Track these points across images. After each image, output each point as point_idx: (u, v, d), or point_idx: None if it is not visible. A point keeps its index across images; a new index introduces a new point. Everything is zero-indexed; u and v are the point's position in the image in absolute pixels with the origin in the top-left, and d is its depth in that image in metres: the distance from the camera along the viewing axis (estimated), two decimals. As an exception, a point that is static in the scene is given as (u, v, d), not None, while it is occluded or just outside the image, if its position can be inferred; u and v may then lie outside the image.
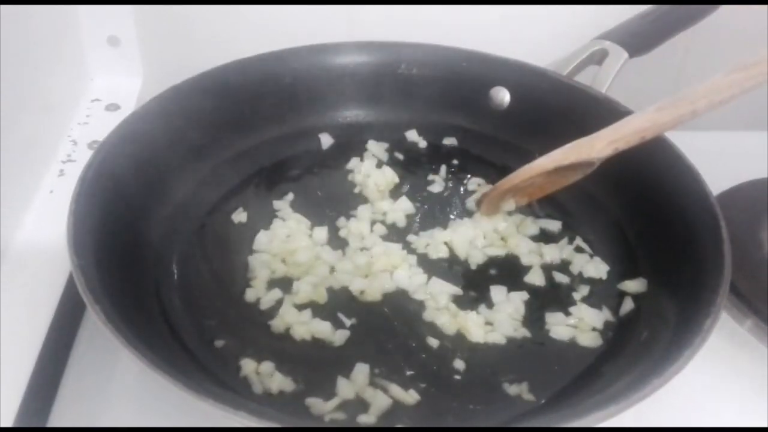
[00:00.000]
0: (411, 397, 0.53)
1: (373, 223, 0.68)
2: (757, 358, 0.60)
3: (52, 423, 0.52)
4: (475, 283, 0.63)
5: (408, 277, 0.63)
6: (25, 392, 0.51)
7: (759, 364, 0.59)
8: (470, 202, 0.71)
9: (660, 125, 0.58)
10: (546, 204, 0.70)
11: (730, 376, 0.59)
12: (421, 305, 0.61)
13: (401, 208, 0.70)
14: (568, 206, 0.70)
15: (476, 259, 0.65)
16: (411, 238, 0.67)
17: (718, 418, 0.55)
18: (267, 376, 0.53)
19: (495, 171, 0.75)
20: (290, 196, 0.70)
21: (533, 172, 0.65)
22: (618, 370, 0.54)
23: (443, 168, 0.75)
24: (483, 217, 0.69)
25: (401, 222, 0.69)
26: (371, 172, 0.73)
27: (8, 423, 0.48)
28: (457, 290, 0.62)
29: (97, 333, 0.56)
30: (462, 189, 0.73)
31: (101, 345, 0.56)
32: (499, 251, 0.66)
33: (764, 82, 0.53)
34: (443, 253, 0.66)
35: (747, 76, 0.54)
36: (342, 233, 0.67)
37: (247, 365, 0.54)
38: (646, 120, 0.59)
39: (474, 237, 0.67)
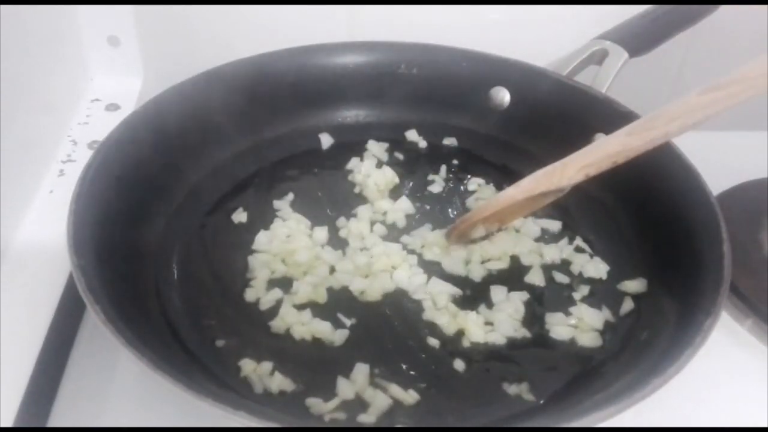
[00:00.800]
0: (411, 397, 0.53)
1: (373, 223, 0.68)
2: (757, 358, 0.60)
3: (52, 423, 0.52)
4: (475, 283, 0.63)
5: (408, 277, 0.62)
6: (25, 392, 0.50)
7: (759, 364, 0.59)
8: (470, 202, 0.71)
9: (632, 149, 0.57)
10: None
11: (731, 376, 0.59)
12: (420, 305, 0.61)
13: (401, 208, 0.70)
14: (568, 206, 0.70)
15: (476, 268, 0.65)
16: (411, 238, 0.67)
17: (719, 418, 0.55)
18: (267, 376, 0.53)
19: (495, 171, 0.75)
20: (290, 196, 0.70)
21: (502, 204, 0.63)
22: (618, 370, 0.54)
23: (443, 168, 0.75)
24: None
25: (401, 222, 0.69)
26: (371, 172, 0.73)
27: (8, 423, 0.48)
28: (456, 290, 0.62)
29: (97, 333, 0.56)
30: (462, 189, 0.73)
31: (101, 345, 0.56)
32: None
33: (740, 101, 0.51)
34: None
35: (722, 96, 0.52)
36: (342, 233, 0.67)
37: (247, 365, 0.54)
38: (617, 144, 0.57)
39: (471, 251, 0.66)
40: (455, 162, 0.76)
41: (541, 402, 0.53)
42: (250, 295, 0.60)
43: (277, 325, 0.58)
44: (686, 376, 0.46)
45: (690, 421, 0.55)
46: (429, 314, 0.60)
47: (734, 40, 0.87)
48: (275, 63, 0.74)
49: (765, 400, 0.56)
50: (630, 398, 0.44)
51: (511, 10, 0.86)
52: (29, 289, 0.58)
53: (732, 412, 0.56)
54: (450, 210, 0.71)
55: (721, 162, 0.67)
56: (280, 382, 0.53)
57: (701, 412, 0.56)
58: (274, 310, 0.59)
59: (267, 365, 0.54)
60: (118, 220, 0.58)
